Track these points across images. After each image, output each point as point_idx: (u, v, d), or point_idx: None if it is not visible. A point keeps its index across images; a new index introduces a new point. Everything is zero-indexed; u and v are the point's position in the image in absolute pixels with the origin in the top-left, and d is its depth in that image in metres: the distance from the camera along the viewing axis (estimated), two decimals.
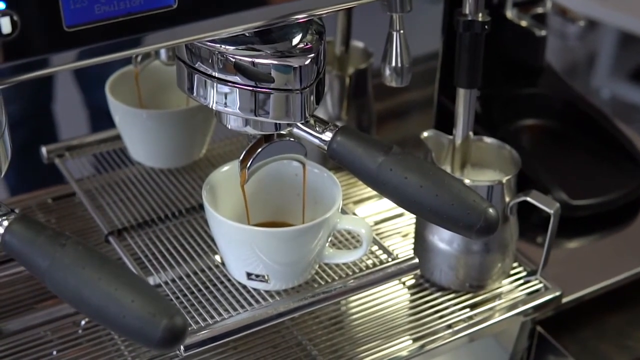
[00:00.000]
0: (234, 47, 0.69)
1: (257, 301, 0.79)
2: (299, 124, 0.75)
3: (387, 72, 0.77)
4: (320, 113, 1.02)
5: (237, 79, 0.70)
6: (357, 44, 1.07)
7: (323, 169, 0.83)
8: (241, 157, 0.77)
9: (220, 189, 0.82)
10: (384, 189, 0.74)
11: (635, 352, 0.90)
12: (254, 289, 0.80)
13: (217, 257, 0.85)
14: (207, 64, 0.70)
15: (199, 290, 0.82)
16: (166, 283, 0.82)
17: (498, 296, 0.91)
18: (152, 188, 0.95)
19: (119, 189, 0.95)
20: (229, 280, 0.82)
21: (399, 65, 0.76)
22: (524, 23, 1.10)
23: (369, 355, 0.84)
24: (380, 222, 1.00)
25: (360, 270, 0.83)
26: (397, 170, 0.72)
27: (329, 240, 0.80)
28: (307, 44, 0.71)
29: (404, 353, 0.84)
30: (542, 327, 0.91)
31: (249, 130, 0.75)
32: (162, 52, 0.90)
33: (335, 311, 0.89)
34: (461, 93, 0.85)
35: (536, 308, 0.90)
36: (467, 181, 0.86)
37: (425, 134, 0.90)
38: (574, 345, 0.90)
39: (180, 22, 0.63)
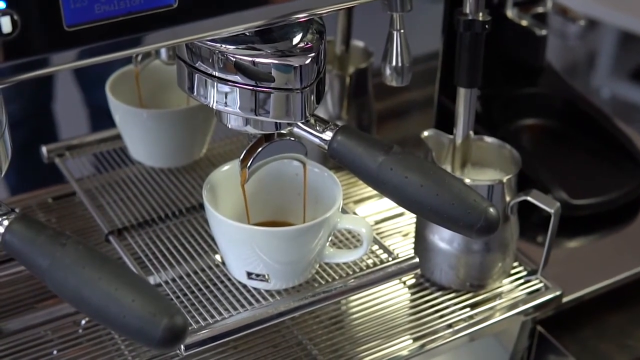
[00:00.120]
0: (234, 47, 0.69)
1: (257, 301, 0.79)
2: (299, 124, 0.75)
3: (388, 71, 0.77)
4: (320, 112, 1.02)
5: (237, 78, 0.70)
6: (358, 43, 1.07)
7: (323, 168, 0.83)
8: (241, 157, 0.77)
9: (220, 188, 0.82)
10: (385, 189, 0.74)
11: (636, 352, 0.90)
12: (254, 289, 0.80)
13: (218, 257, 0.84)
14: (208, 64, 0.70)
15: (199, 289, 0.82)
16: (166, 282, 0.82)
17: (498, 296, 0.91)
18: (153, 187, 0.95)
19: (119, 188, 0.95)
20: (229, 279, 0.82)
21: (400, 64, 0.77)
22: (524, 22, 1.10)
23: (369, 355, 0.84)
24: (381, 221, 1.00)
25: (361, 269, 0.83)
26: (397, 170, 0.72)
27: (330, 239, 0.80)
28: (307, 44, 0.71)
29: (405, 352, 0.84)
30: (542, 327, 0.91)
31: (250, 129, 0.75)
32: (163, 52, 0.90)
33: (335, 310, 0.89)
34: (461, 92, 0.85)
35: (536, 307, 0.90)
36: (467, 181, 0.86)
37: (425, 133, 0.90)
38: (574, 345, 0.90)
39: (180, 22, 0.62)
